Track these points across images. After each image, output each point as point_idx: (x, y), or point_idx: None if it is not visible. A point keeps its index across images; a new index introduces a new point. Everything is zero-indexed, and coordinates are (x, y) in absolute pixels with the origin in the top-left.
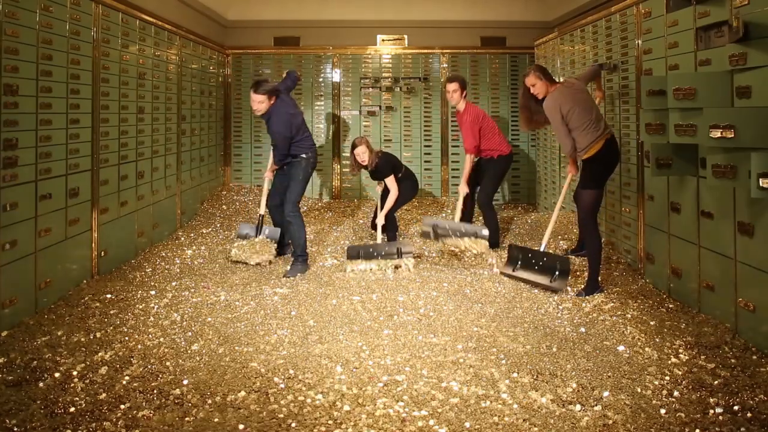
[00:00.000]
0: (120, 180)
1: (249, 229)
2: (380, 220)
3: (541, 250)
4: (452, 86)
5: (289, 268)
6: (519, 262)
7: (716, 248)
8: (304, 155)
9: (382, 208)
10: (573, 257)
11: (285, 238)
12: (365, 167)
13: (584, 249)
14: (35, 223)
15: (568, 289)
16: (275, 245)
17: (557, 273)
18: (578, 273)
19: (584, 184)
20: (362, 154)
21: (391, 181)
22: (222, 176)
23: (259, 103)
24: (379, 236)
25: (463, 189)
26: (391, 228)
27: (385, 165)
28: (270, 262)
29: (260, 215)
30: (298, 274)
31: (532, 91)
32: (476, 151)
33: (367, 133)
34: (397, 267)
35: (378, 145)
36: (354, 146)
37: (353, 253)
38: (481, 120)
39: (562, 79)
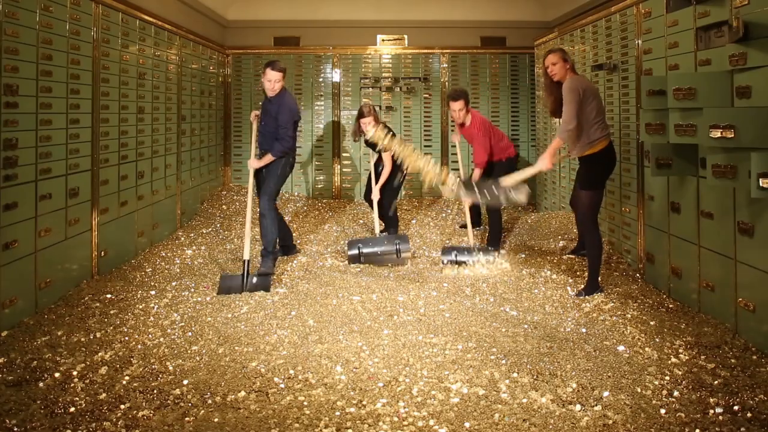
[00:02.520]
0: (120, 180)
1: (232, 280)
2: (375, 195)
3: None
4: (458, 105)
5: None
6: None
7: (716, 248)
8: None
9: (376, 180)
10: (573, 257)
11: (288, 239)
12: (366, 138)
13: (584, 249)
14: (35, 223)
15: (568, 289)
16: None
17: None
18: (578, 273)
19: (584, 185)
20: (367, 125)
21: (387, 156)
22: (222, 176)
23: (276, 81)
24: (376, 217)
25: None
26: (392, 224)
27: None
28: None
29: (246, 261)
30: (265, 272)
31: (549, 71)
32: (486, 165)
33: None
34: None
35: None
36: (361, 115)
37: (354, 255)
38: (489, 130)
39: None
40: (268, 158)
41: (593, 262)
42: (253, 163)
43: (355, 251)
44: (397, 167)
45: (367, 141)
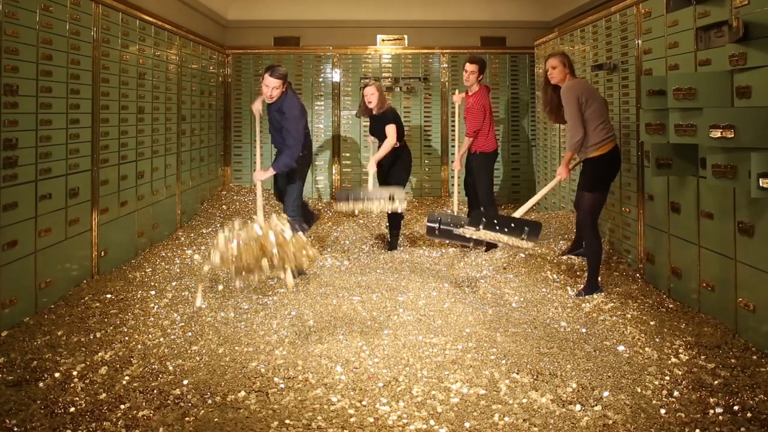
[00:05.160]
0: (120, 180)
1: None
2: (372, 166)
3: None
4: (471, 67)
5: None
6: (482, 225)
7: (716, 248)
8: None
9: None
10: (572, 257)
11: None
12: (371, 112)
13: (581, 249)
14: (35, 223)
15: (568, 289)
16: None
17: (527, 230)
18: (578, 273)
19: (588, 186)
20: (370, 95)
21: (391, 129)
22: (222, 176)
23: (274, 88)
24: (371, 182)
25: (457, 166)
26: (394, 225)
27: (391, 113)
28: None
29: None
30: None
31: (549, 74)
32: (475, 136)
33: (367, 132)
34: (391, 200)
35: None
36: (365, 86)
37: (342, 197)
38: (487, 111)
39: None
40: (270, 172)
41: (593, 263)
42: (259, 176)
43: (344, 198)
44: (401, 171)
45: (372, 120)
